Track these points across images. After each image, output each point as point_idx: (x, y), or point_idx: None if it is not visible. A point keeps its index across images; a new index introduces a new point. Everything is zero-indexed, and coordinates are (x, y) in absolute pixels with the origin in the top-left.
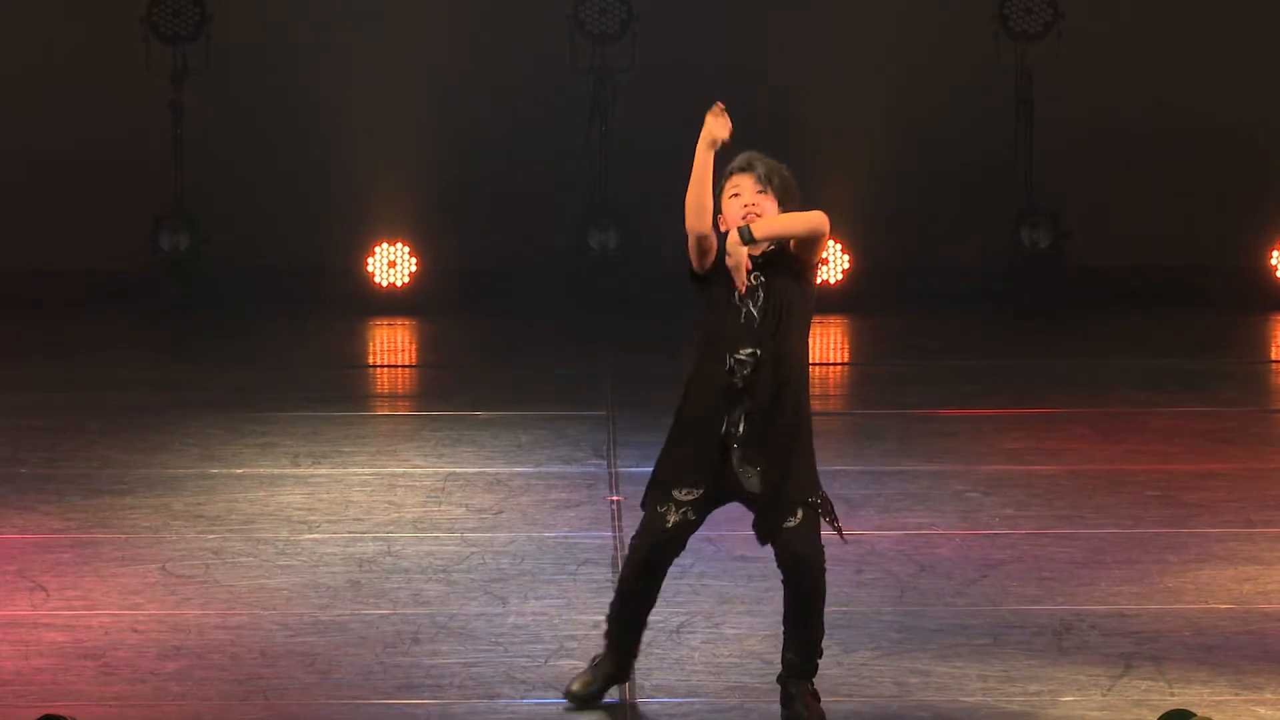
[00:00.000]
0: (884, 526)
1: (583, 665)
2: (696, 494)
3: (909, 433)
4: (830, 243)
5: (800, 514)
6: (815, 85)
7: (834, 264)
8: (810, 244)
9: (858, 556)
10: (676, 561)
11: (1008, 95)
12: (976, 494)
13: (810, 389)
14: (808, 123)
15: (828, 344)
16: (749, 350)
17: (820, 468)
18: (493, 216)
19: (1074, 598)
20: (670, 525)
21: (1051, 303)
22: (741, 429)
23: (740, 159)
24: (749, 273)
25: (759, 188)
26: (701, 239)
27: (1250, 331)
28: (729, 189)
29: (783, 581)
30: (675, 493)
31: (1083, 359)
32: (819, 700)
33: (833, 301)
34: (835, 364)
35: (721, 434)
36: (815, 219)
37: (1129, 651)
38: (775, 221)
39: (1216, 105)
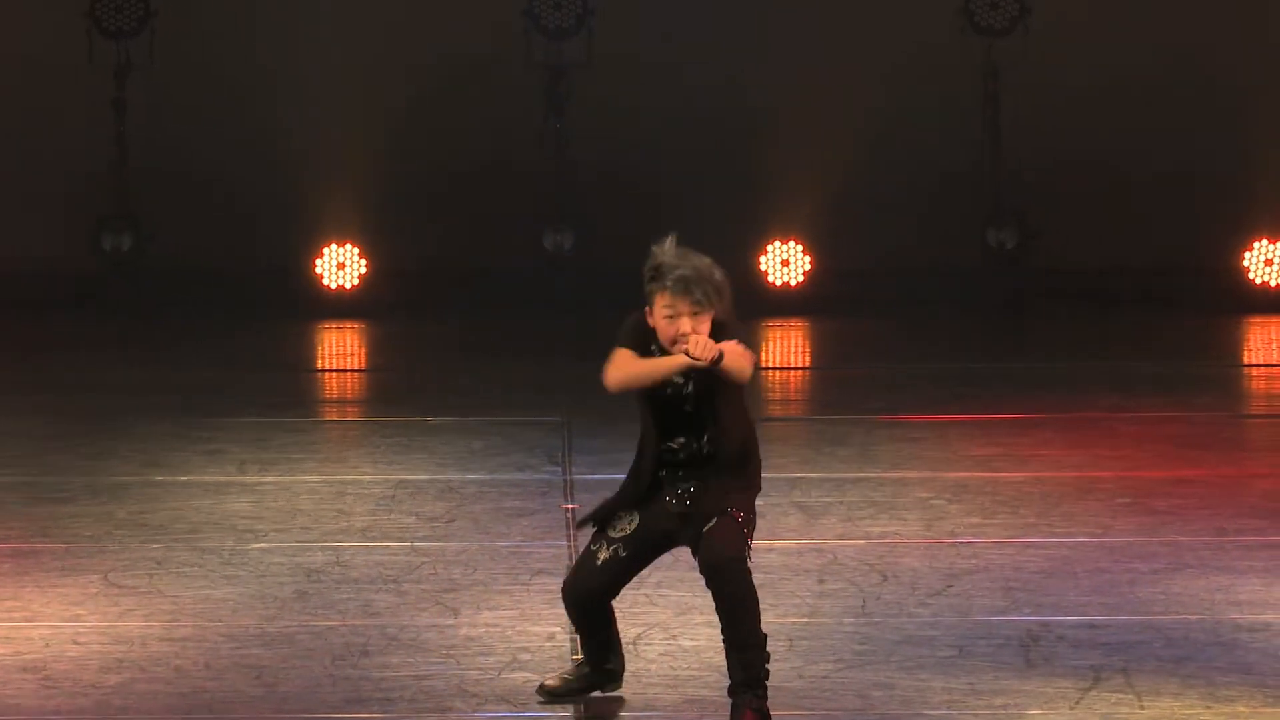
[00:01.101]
0: (847, 535)
1: (536, 678)
2: (630, 528)
3: (873, 439)
4: (792, 244)
5: (716, 520)
6: (775, 81)
7: (795, 266)
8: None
9: (819, 566)
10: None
11: (975, 92)
12: (942, 502)
13: (758, 449)
14: (768, 120)
15: (790, 348)
16: (682, 439)
17: (782, 474)
18: (445, 217)
19: (1041, 608)
20: (599, 563)
21: (1019, 305)
22: (679, 490)
23: (675, 278)
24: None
25: (694, 310)
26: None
27: (1222, 334)
28: (663, 305)
29: (708, 588)
30: (610, 530)
31: (1051, 363)
32: (765, 716)
33: (795, 305)
34: (798, 368)
35: (662, 495)
36: (748, 372)
37: (1098, 663)
38: (733, 362)
39: (1188, 104)
